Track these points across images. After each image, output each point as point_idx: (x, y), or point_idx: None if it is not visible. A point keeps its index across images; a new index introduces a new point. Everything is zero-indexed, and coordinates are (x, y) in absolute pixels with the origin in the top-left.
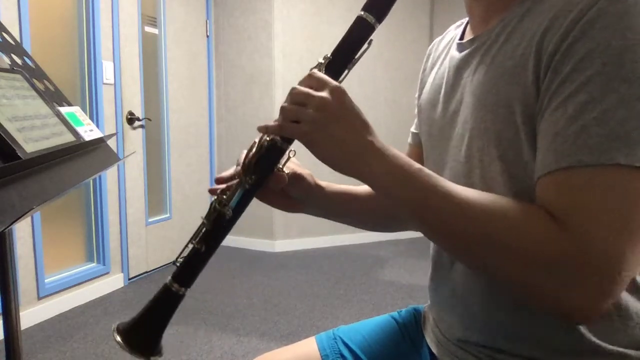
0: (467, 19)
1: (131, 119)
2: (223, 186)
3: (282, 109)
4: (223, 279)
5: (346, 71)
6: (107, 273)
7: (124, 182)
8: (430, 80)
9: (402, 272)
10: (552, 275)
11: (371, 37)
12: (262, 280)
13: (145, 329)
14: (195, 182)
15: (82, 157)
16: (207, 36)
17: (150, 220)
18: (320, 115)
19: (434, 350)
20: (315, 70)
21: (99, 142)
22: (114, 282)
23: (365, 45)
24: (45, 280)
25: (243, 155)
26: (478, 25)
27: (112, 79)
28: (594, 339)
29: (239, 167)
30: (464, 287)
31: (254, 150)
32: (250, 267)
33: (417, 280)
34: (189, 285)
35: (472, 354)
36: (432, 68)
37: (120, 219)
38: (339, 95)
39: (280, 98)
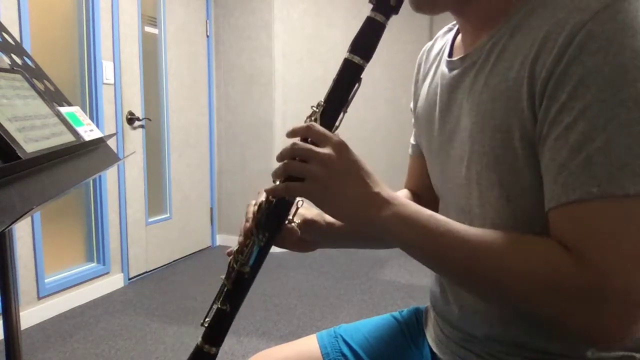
0: (455, 22)
1: (131, 119)
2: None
3: (286, 165)
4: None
5: (342, 114)
6: (107, 273)
7: (124, 182)
8: (423, 92)
9: (402, 272)
10: (577, 307)
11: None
12: (262, 281)
13: None
14: (195, 182)
15: (82, 157)
16: (207, 36)
17: (150, 220)
18: (325, 172)
19: (434, 349)
20: (314, 124)
21: (99, 142)
22: (114, 282)
23: (356, 85)
24: (45, 280)
25: (251, 209)
26: (470, 39)
27: (112, 79)
28: None
29: (248, 223)
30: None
31: (262, 207)
32: None
33: (417, 280)
34: (219, 344)
35: (474, 352)
36: (424, 80)
37: (120, 219)
38: (342, 150)
39: (280, 98)
